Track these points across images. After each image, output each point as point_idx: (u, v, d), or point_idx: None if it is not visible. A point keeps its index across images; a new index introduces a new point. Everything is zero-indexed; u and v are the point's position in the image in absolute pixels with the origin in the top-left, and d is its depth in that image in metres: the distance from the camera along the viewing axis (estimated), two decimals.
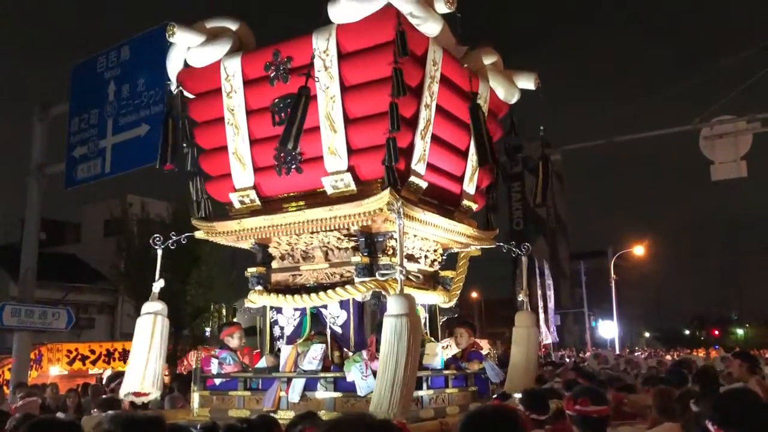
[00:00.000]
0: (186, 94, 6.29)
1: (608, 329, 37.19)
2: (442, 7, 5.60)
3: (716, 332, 73.25)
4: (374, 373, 5.23)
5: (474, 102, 6.00)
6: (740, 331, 75.73)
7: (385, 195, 5.28)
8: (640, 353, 39.56)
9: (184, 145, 6.21)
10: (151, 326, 5.91)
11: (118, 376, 7.05)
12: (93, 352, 21.18)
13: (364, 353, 5.45)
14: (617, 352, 34.91)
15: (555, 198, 26.45)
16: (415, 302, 5.10)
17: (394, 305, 4.88)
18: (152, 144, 12.33)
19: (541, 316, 29.51)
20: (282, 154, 5.85)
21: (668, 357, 31.60)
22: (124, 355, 21.73)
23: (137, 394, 5.87)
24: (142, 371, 5.77)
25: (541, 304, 29.98)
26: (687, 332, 76.11)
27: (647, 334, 71.94)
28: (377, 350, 5.35)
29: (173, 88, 6.20)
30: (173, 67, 6.24)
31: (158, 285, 6.14)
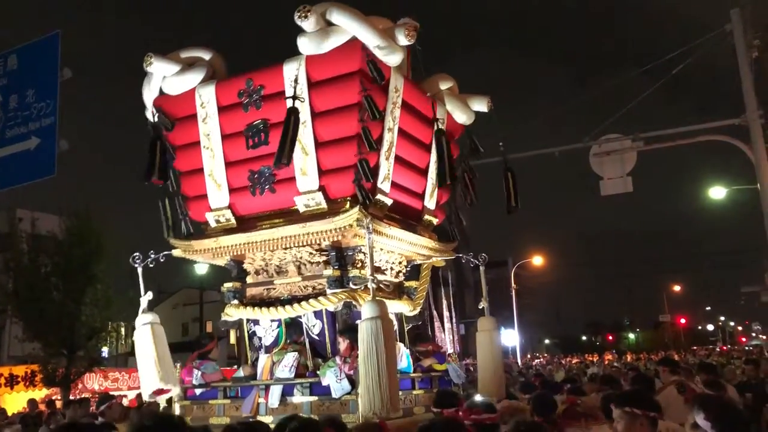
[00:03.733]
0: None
1: (510, 337, 39.11)
2: (402, 40, 6.43)
3: (610, 337, 78.39)
4: (348, 377, 6.00)
5: (438, 129, 6.87)
6: (632, 336, 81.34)
7: (355, 212, 6.04)
8: (540, 360, 41.93)
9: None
10: (150, 335, 6.46)
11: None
12: None
13: (338, 359, 6.17)
14: (519, 359, 36.90)
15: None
16: (387, 307, 5.77)
17: (368, 310, 5.53)
18: (43, 157, 12.41)
19: (446, 325, 30.95)
20: (256, 176, 6.55)
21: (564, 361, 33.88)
22: (12, 381, 21.06)
23: (159, 392, 6.44)
24: (157, 372, 6.32)
25: (446, 314, 31.43)
26: (584, 338, 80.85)
27: (547, 341, 75.81)
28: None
29: (150, 115, 6.75)
30: (150, 94, 6.75)
31: (146, 298, 6.65)
